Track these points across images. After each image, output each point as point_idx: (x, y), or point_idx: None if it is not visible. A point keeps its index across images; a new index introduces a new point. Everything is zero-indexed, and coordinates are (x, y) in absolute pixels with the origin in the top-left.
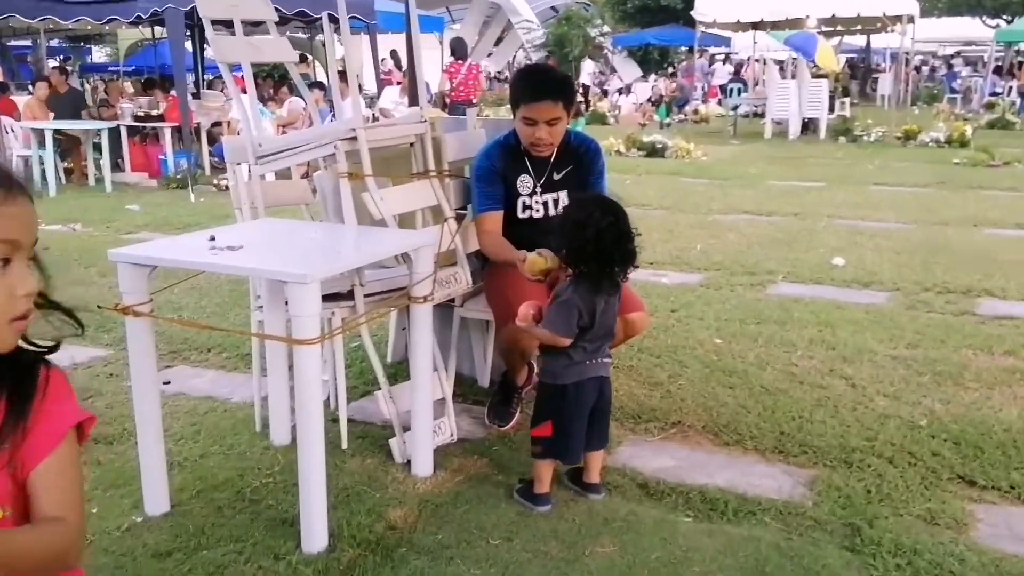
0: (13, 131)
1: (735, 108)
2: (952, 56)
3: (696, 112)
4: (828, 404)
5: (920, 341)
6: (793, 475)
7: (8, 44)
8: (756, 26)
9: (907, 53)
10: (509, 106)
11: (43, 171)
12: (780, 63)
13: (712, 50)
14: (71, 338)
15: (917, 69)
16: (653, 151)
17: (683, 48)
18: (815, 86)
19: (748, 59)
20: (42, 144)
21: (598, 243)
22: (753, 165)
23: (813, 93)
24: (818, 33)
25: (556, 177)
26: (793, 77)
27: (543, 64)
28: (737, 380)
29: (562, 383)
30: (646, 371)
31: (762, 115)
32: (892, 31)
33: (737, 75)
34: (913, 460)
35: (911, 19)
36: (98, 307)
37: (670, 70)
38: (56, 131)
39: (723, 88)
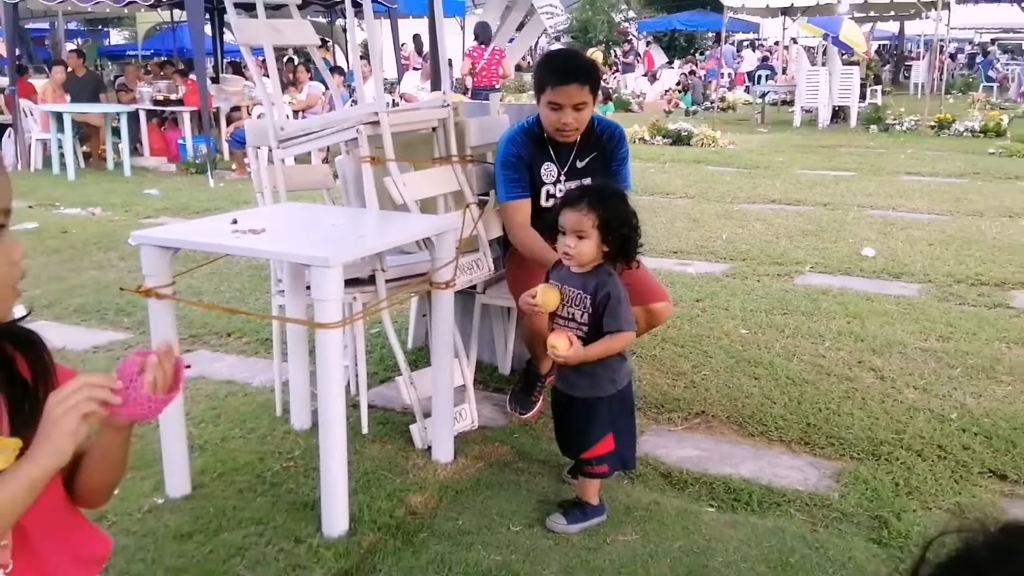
0: (32, 114)
1: (763, 95)
2: (989, 43)
3: (723, 99)
4: (856, 396)
5: (952, 334)
6: (819, 467)
7: (25, 26)
8: (786, 11)
9: (942, 40)
10: (532, 93)
11: (62, 155)
12: (810, 49)
13: (739, 36)
14: (91, 321)
15: (952, 57)
16: (678, 139)
17: (710, 34)
18: (846, 73)
19: (777, 45)
20: (61, 128)
21: (637, 240)
22: (781, 154)
23: (844, 80)
24: (850, 19)
25: (580, 165)
26: (823, 64)
27: (568, 48)
28: (763, 371)
29: (619, 387)
30: (670, 361)
31: (791, 103)
32: (926, 17)
33: (765, 62)
34: (943, 454)
35: (946, 5)
36: (120, 289)
37: (699, 57)
38: (75, 114)
39: (751, 75)
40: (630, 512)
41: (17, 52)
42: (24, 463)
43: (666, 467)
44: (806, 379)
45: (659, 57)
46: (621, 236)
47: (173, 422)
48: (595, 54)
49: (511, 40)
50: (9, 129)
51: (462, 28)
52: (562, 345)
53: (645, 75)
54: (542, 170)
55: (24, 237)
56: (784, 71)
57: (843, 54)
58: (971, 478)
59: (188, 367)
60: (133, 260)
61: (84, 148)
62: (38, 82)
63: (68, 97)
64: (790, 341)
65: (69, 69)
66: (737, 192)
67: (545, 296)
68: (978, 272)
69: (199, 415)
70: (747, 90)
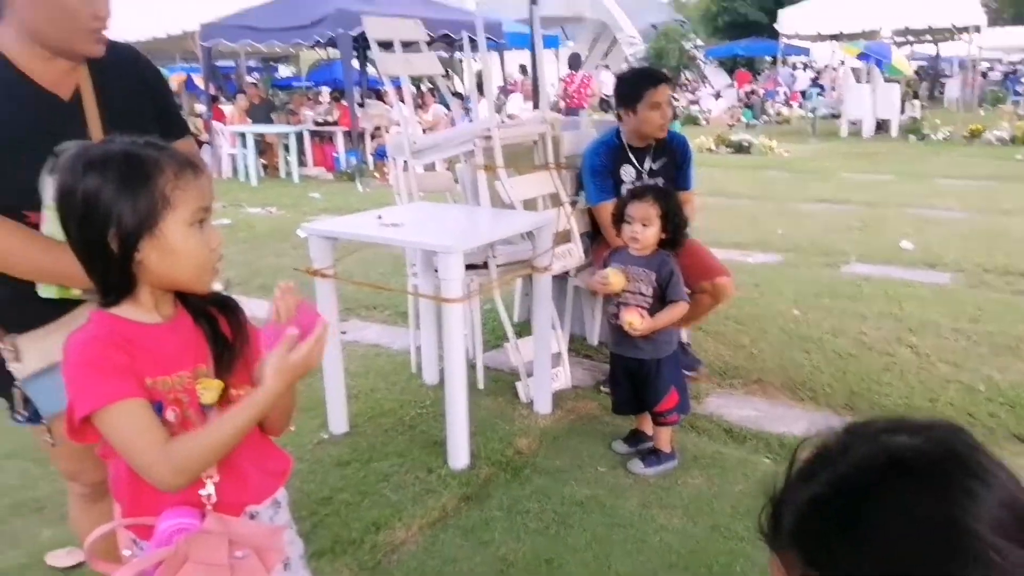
0: (222, 134)
1: (814, 110)
2: (1018, 62)
3: (779, 114)
4: (895, 369)
5: (980, 316)
6: None
7: (216, 64)
8: (835, 37)
9: (974, 60)
10: (617, 109)
11: (246, 167)
12: (855, 69)
13: (793, 59)
14: (271, 296)
15: (984, 75)
16: (740, 148)
17: (767, 58)
18: (888, 90)
19: (826, 66)
20: (244, 144)
21: (685, 229)
22: (830, 160)
23: (886, 96)
24: (891, 43)
25: (654, 167)
26: (868, 82)
27: (639, 66)
28: (812, 346)
29: (673, 348)
30: (731, 335)
31: (839, 116)
32: (960, 40)
33: (816, 81)
34: (972, 420)
35: (977, 29)
36: (294, 270)
37: (758, 78)
38: (255, 133)
39: (803, 93)
40: (697, 460)
41: (211, 85)
42: (252, 398)
43: (728, 424)
44: (850, 353)
45: (723, 79)
46: (675, 225)
47: (334, 374)
48: None
49: (596, 66)
50: (206, 145)
51: (557, 58)
52: (636, 320)
53: (711, 94)
54: (621, 172)
55: (220, 230)
56: (833, 89)
57: (885, 74)
58: (997, 442)
59: (344, 333)
60: (302, 249)
61: (263, 160)
62: (226, 108)
63: (249, 120)
64: (836, 321)
65: (250, 98)
66: (791, 193)
67: (615, 278)
68: (1005, 263)
69: (353, 370)
70: (800, 106)
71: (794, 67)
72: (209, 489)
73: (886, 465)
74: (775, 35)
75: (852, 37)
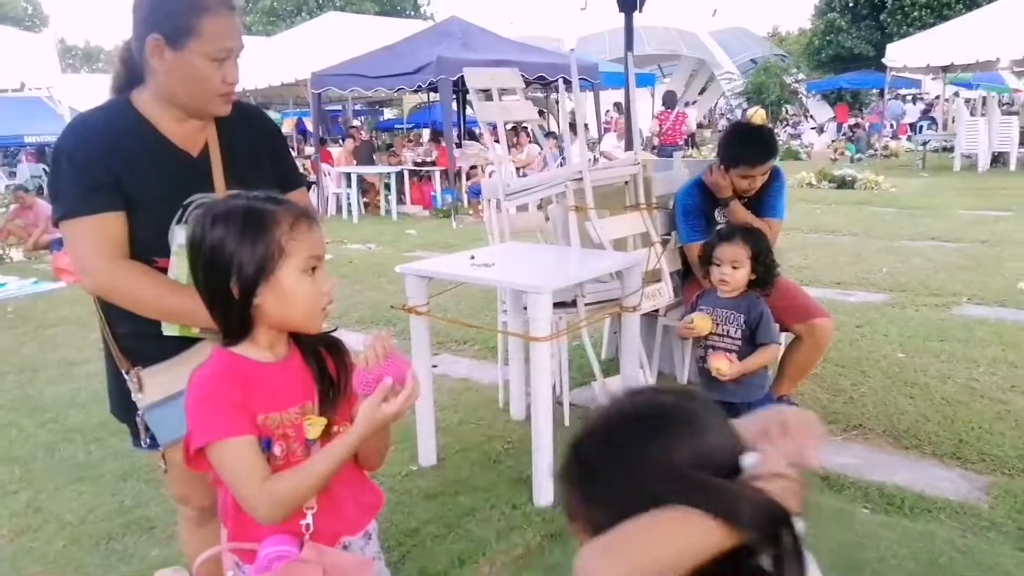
0: (329, 175)
1: (924, 143)
2: None
3: (886, 147)
4: (1008, 417)
5: None
6: (970, 480)
7: (325, 108)
8: (946, 69)
9: None
10: (717, 155)
11: (349, 205)
12: (968, 101)
13: (903, 91)
14: (368, 330)
15: None
16: (843, 183)
17: (874, 91)
18: (1005, 122)
19: (937, 98)
20: (349, 184)
21: (775, 269)
22: (941, 195)
23: (1003, 129)
24: (1011, 72)
25: (744, 202)
26: (983, 115)
27: (756, 127)
28: (918, 391)
29: (765, 391)
30: (830, 379)
31: (951, 149)
32: None
33: (927, 113)
34: None
35: None
36: (391, 307)
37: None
38: (358, 174)
39: (912, 125)
40: None
41: (320, 128)
42: (343, 440)
43: (824, 471)
44: (960, 400)
45: (825, 112)
46: (766, 266)
47: (425, 407)
48: (757, 113)
49: (693, 102)
50: (313, 185)
51: (652, 96)
52: (724, 366)
53: (813, 128)
54: (716, 214)
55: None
56: (945, 126)
57: (1003, 105)
58: None
59: (435, 367)
60: (399, 283)
61: (364, 199)
62: (333, 150)
63: (355, 161)
64: (945, 365)
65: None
66: (898, 230)
67: (700, 323)
68: None
69: (443, 403)
70: (909, 139)
71: (904, 99)
72: (308, 519)
73: (623, 415)
74: (883, 68)
75: (967, 68)
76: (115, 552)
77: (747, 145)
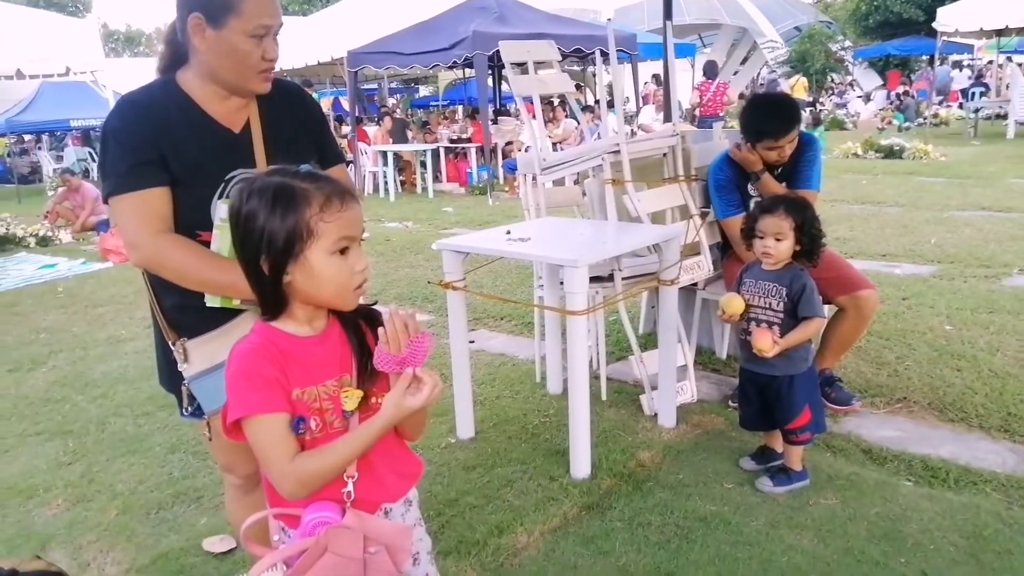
0: (366, 154)
1: (976, 111)
2: None
3: (936, 115)
4: None
5: None
6: (1019, 453)
7: (361, 87)
8: (1000, 32)
9: None
10: (741, 131)
11: (385, 183)
12: (1022, 65)
13: (954, 57)
14: (403, 306)
15: None
16: (891, 153)
17: (924, 57)
18: None
19: (990, 63)
20: (386, 162)
21: (821, 240)
22: (993, 164)
23: None
24: None
25: (777, 172)
26: None
27: (773, 97)
28: (965, 363)
29: (809, 364)
30: (874, 352)
31: (1004, 117)
32: None
33: (979, 79)
34: None
35: None
36: (428, 282)
37: (911, 77)
38: (394, 152)
39: (963, 92)
40: (831, 480)
41: (356, 107)
42: (371, 425)
43: (867, 444)
44: (1009, 372)
45: (873, 80)
46: (811, 237)
47: (462, 382)
48: (799, 83)
49: (735, 73)
50: (350, 164)
51: (692, 67)
52: (767, 345)
53: (859, 96)
54: (749, 186)
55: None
56: (998, 92)
57: None
58: None
59: (472, 342)
60: (435, 261)
61: (401, 177)
62: (369, 129)
63: (391, 139)
64: (995, 337)
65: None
66: (947, 200)
67: (730, 307)
68: None
69: (480, 378)
70: (960, 106)
71: (953, 65)
72: (349, 487)
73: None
74: (932, 33)
75: (1021, 32)
76: (165, 521)
77: (768, 117)
